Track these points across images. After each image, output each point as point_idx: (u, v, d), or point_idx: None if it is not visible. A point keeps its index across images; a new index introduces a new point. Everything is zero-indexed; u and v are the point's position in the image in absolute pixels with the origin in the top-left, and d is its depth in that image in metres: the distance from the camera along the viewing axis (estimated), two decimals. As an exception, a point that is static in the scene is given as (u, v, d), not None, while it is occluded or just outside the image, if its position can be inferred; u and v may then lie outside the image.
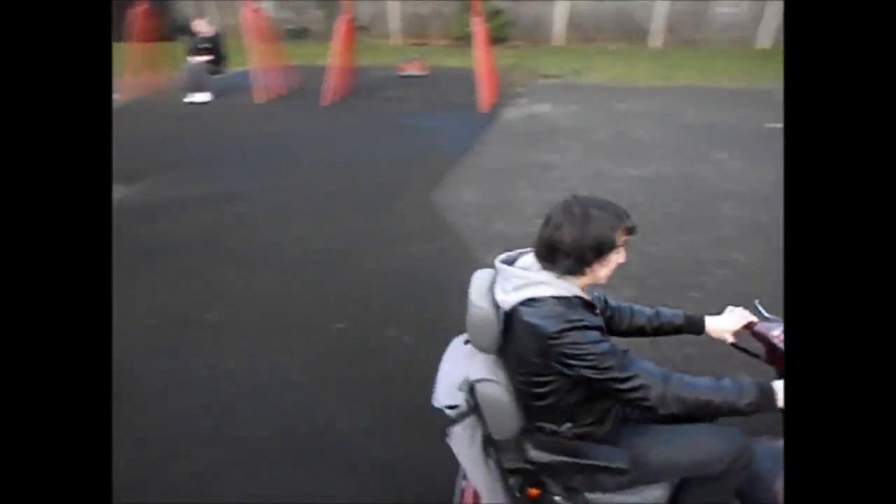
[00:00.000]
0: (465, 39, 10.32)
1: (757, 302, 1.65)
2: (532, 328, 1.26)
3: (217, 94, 7.77)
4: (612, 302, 1.60)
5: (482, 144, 5.88)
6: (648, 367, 1.25)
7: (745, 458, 1.37)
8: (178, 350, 2.76)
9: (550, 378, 1.30)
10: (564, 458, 1.34)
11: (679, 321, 1.58)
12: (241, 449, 2.17)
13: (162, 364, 2.65)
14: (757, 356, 1.55)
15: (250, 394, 2.46)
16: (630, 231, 1.30)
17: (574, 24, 12.01)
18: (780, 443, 1.50)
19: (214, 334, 2.88)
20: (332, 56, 7.70)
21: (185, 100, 7.64)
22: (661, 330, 1.60)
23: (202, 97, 7.68)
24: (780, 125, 6.15)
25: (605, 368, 1.22)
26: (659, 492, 1.42)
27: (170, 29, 10.88)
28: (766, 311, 1.59)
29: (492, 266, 1.41)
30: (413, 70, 9.16)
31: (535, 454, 1.35)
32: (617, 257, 1.31)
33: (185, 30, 9.64)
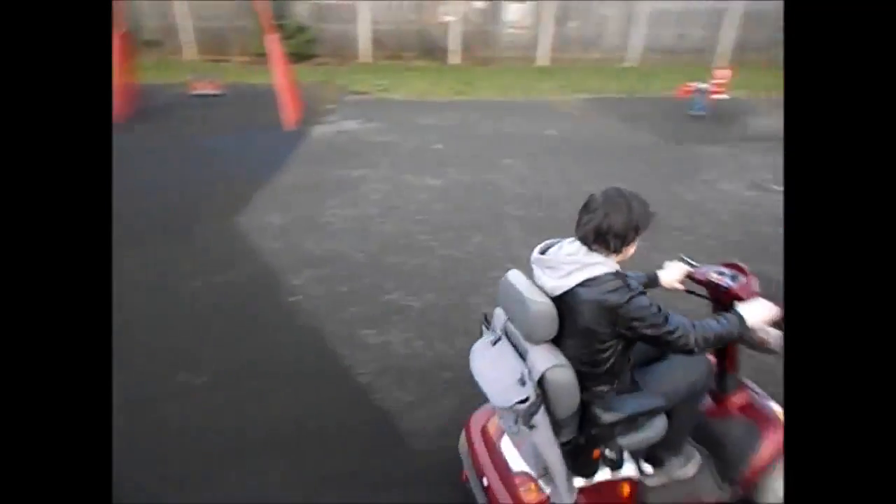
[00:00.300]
0: (266, 56, 9.99)
1: (682, 255, 2.03)
2: (599, 303, 1.43)
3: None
4: None
5: (289, 164, 5.77)
6: (681, 320, 1.48)
7: (710, 375, 1.77)
8: None
9: (611, 343, 1.49)
10: (624, 414, 1.53)
11: (643, 280, 1.88)
12: None
13: None
14: (703, 296, 1.92)
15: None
16: (651, 217, 1.53)
17: (379, 42, 12.44)
18: (752, 416, 1.87)
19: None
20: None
21: None
22: None
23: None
24: (556, 132, 7.16)
25: (659, 325, 1.44)
26: (662, 422, 1.64)
27: None
28: (689, 260, 1.98)
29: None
30: (206, 89, 8.58)
31: (607, 416, 1.51)
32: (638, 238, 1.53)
33: None
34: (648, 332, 1.45)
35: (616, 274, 1.48)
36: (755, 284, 1.81)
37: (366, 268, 3.74)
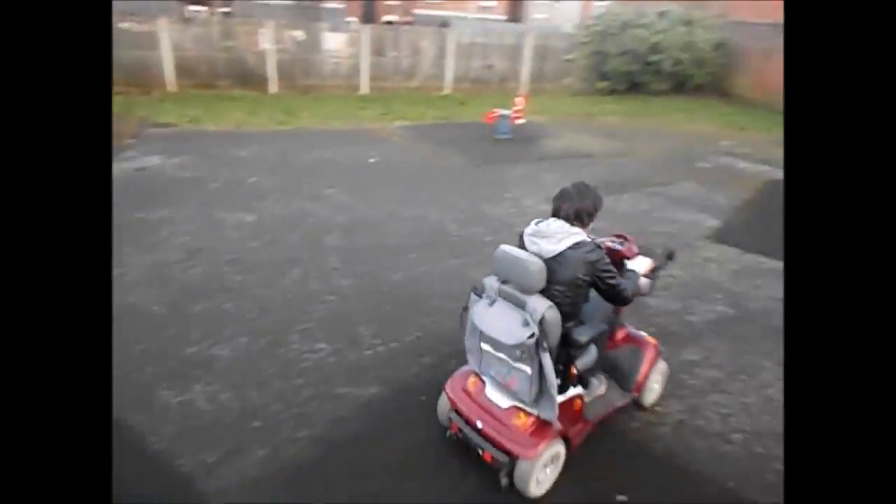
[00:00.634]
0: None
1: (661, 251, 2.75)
2: (584, 260, 2.08)
3: None
4: None
5: (72, 209, 5.02)
6: (621, 279, 2.21)
7: (614, 315, 2.60)
8: None
9: (583, 290, 2.16)
10: (589, 335, 2.21)
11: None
12: None
13: None
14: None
15: None
16: (601, 202, 2.25)
17: (187, 70, 11.56)
18: (637, 344, 2.73)
19: None
20: None
21: None
22: None
23: None
24: (377, 159, 7.34)
25: (615, 279, 2.16)
26: (594, 350, 2.28)
27: None
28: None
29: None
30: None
31: (581, 338, 2.17)
32: None
33: None
34: (610, 282, 2.16)
35: (591, 241, 2.14)
36: (635, 246, 2.56)
37: (165, 320, 3.40)
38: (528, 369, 2.05)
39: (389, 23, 25.29)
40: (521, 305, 2.05)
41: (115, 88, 10.74)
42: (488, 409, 2.27)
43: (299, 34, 12.45)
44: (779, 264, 4.67)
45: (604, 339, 2.48)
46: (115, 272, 3.94)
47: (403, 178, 6.58)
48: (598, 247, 2.13)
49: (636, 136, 9.68)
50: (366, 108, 10.87)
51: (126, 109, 9.22)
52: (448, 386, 2.45)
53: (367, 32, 12.73)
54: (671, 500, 2.33)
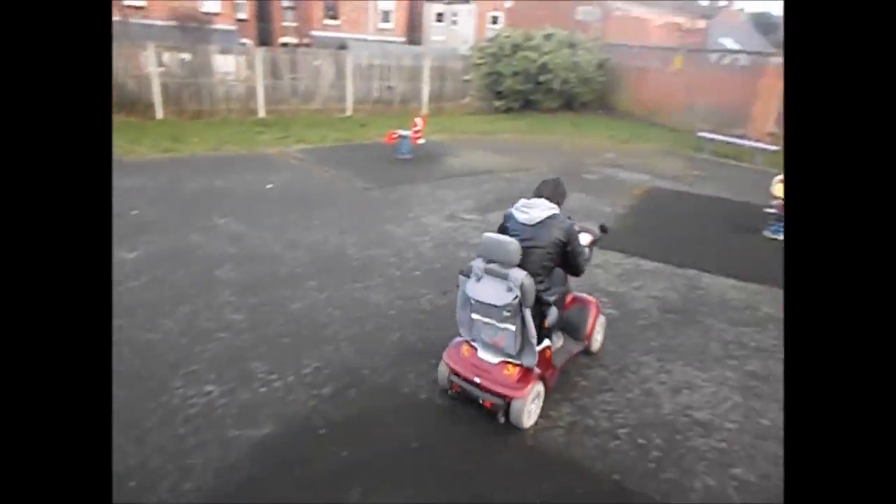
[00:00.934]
0: None
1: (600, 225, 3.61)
2: (559, 227, 2.73)
3: None
4: None
5: None
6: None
7: (567, 280, 3.26)
8: None
9: (554, 257, 2.77)
10: (557, 294, 2.93)
11: None
12: None
13: None
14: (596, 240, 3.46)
15: None
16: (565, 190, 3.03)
17: (56, 96, 10.54)
18: (583, 304, 3.40)
19: None
20: None
21: None
22: None
23: None
24: (276, 185, 7.11)
25: (580, 248, 2.84)
26: (556, 310, 2.84)
27: None
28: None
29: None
30: None
31: (551, 297, 2.80)
32: None
33: None
34: (577, 250, 2.83)
35: (562, 214, 2.83)
36: (577, 225, 3.02)
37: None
38: (512, 327, 2.67)
39: (285, 45, 24.82)
40: (504, 277, 2.62)
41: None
42: (482, 367, 2.87)
43: (186, 56, 11.85)
44: (656, 265, 5.12)
45: (562, 301, 3.18)
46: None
47: (302, 203, 6.43)
48: (570, 219, 2.86)
49: (531, 152, 10.22)
50: (263, 133, 10.53)
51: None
52: (446, 355, 3.01)
53: (262, 55, 12.39)
54: (563, 500, 2.44)
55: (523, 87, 14.74)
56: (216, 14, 22.83)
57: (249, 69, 12.32)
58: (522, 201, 2.86)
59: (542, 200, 2.83)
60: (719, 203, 7.53)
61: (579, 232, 3.00)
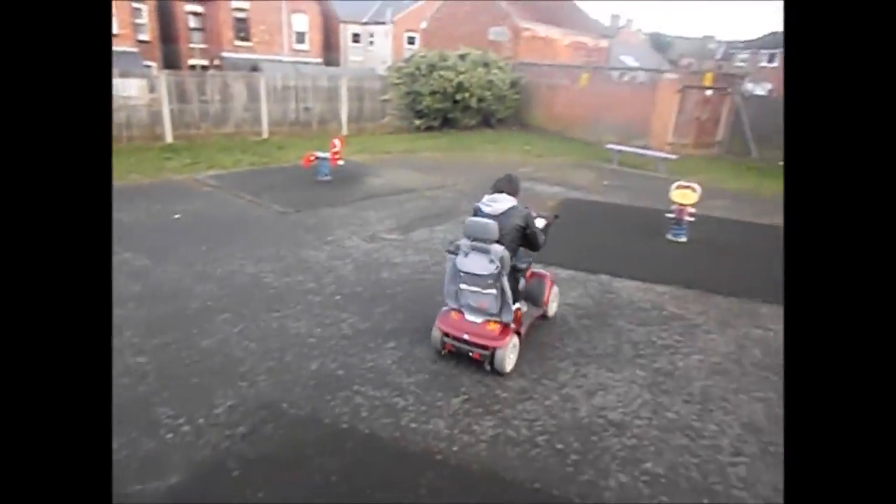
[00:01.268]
0: None
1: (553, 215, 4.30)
2: (520, 216, 3.43)
3: None
4: None
5: None
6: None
7: (530, 256, 3.92)
8: None
9: (519, 237, 3.46)
10: (525, 264, 3.83)
11: None
12: None
13: None
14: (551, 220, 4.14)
15: None
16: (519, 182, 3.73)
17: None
18: (540, 278, 4.13)
19: None
20: None
21: None
22: None
23: None
24: (185, 213, 6.74)
25: (537, 230, 3.55)
26: (522, 280, 3.74)
27: None
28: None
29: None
30: None
31: (522, 265, 3.73)
32: None
33: None
34: (535, 232, 3.52)
35: (520, 205, 3.52)
36: (534, 212, 3.77)
37: None
38: (494, 291, 3.35)
39: (194, 67, 23.84)
40: (486, 252, 3.27)
41: None
42: (469, 327, 3.50)
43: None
44: (571, 272, 5.35)
45: (525, 273, 3.85)
46: None
47: (214, 233, 6.14)
48: (528, 209, 3.60)
49: (451, 169, 10.41)
50: (171, 159, 9.99)
51: None
52: (438, 322, 3.63)
53: (166, 77, 11.79)
54: (488, 514, 2.47)
55: (442, 106, 15.04)
56: (115, 35, 21.51)
57: (154, 93, 11.68)
58: (487, 197, 3.54)
59: (503, 195, 3.52)
60: (627, 210, 8.03)
61: (536, 218, 3.72)
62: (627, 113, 14.39)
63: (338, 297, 4.63)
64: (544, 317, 4.26)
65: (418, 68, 14.90)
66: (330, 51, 31.72)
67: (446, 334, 3.58)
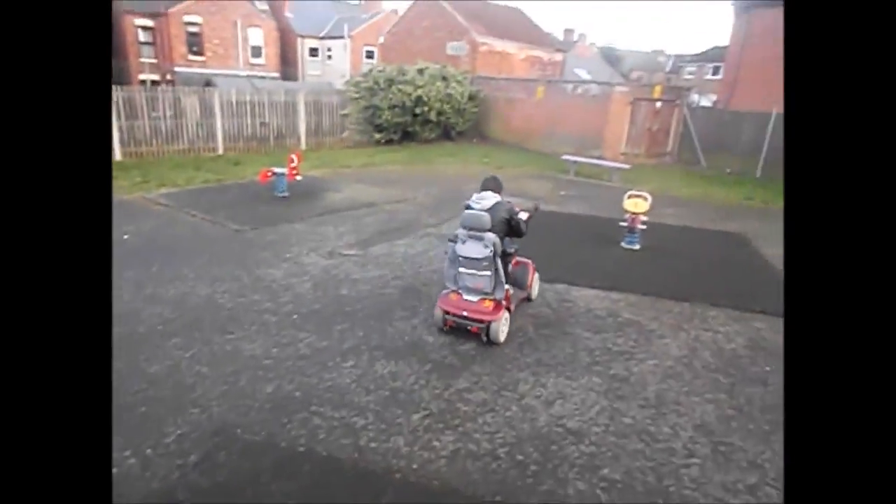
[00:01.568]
0: None
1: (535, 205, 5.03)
2: (506, 209, 4.07)
3: None
4: None
5: None
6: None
7: (516, 244, 4.45)
8: None
9: (506, 227, 4.09)
10: (513, 249, 4.39)
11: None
12: None
13: None
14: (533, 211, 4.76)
15: None
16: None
17: None
18: (524, 266, 4.73)
19: None
20: None
21: None
22: None
23: None
24: (133, 235, 6.49)
25: (521, 220, 4.19)
26: (509, 265, 4.34)
27: None
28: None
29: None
30: None
31: (510, 249, 4.29)
32: None
33: None
34: (518, 222, 4.12)
35: (506, 200, 4.15)
36: (517, 206, 4.36)
37: None
38: (489, 273, 3.95)
39: (144, 82, 23.16)
40: (481, 239, 3.86)
41: None
42: (467, 305, 4.07)
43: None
44: (530, 283, 5.43)
45: (511, 260, 4.43)
46: None
47: (166, 253, 5.94)
48: (510, 202, 4.19)
49: (412, 182, 10.44)
50: (119, 177, 9.62)
51: None
52: (439, 302, 4.22)
53: (116, 93, 11.40)
54: (448, 532, 2.45)
55: (401, 120, 15.10)
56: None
57: (100, 110, 11.26)
58: (476, 195, 4.16)
59: (489, 192, 4.15)
60: (583, 220, 8.23)
61: (519, 212, 4.33)
62: (582, 124, 14.81)
63: (295, 316, 4.54)
64: (528, 299, 4.86)
65: (377, 82, 14.93)
66: (287, 65, 31.43)
67: (447, 312, 4.15)
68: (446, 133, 16.39)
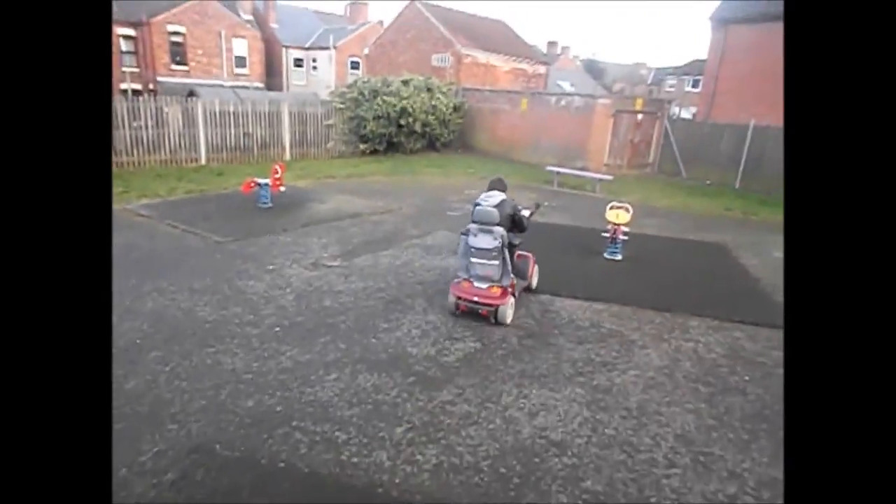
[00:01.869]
0: None
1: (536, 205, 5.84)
2: (510, 206, 4.61)
3: None
4: None
5: None
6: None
7: (519, 238, 5.03)
8: None
9: (510, 222, 4.62)
10: (518, 241, 5.01)
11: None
12: None
13: None
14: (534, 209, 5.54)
15: None
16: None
17: None
18: (525, 258, 5.27)
19: None
20: None
21: None
22: None
23: None
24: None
25: (523, 216, 4.80)
26: (513, 256, 4.93)
27: None
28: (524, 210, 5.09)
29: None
30: None
31: (516, 241, 4.90)
32: None
33: None
34: (521, 218, 4.72)
35: (510, 198, 4.68)
36: (520, 205, 4.90)
37: None
38: (497, 262, 4.54)
39: (126, 92, 22.92)
40: (490, 232, 4.45)
41: None
42: (478, 291, 4.64)
43: None
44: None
45: (515, 252, 4.93)
46: None
47: (146, 265, 5.85)
48: (513, 200, 4.69)
49: (396, 193, 10.44)
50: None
51: None
52: (452, 289, 4.77)
53: (92, 104, 11.24)
54: (430, 547, 2.43)
55: (386, 130, 15.13)
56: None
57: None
58: (483, 194, 4.69)
59: (496, 191, 4.71)
60: (566, 230, 8.30)
61: (522, 210, 4.91)
62: (566, 136, 14.99)
63: (277, 329, 4.50)
64: (529, 287, 5.38)
65: (362, 93, 14.97)
66: (272, 75, 31.37)
67: (459, 298, 4.71)
68: (431, 144, 16.47)
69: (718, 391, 3.87)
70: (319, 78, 31.51)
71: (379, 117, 14.86)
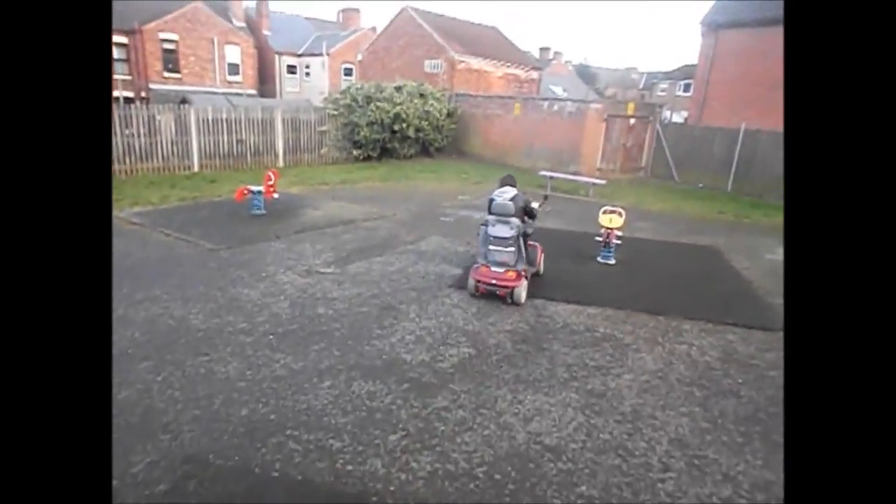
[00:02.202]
0: None
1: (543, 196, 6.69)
2: (522, 199, 5.37)
3: None
4: None
5: None
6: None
7: (531, 227, 5.65)
8: None
9: (522, 213, 5.37)
10: (532, 229, 5.59)
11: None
12: None
13: None
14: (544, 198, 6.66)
15: None
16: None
17: None
18: (534, 248, 5.80)
19: None
20: None
21: None
22: None
23: None
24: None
25: (534, 207, 5.62)
26: (525, 244, 5.51)
27: None
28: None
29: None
30: None
31: (529, 230, 5.45)
32: None
33: None
34: (532, 209, 5.51)
35: (521, 192, 5.42)
36: (531, 198, 5.65)
37: None
38: (513, 249, 5.19)
39: (118, 99, 22.84)
40: (507, 222, 5.15)
41: None
42: (495, 275, 5.25)
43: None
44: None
45: (527, 241, 5.42)
46: None
47: (137, 273, 5.81)
48: (525, 193, 5.37)
49: (390, 199, 10.45)
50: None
51: None
52: (472, 273, 5.40)
53: (84, 112, 11.20)
54: (425, 555, 2.41)
55: (379, 136, 15.15)
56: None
57: (71, 127, 11.05)
58: (497, 190, 5.37)
59: (508, 187, 5.39)
60: (560, 235, 8.33)
61: (532, 202, 5.54)
62: (559, 141, 15.07)
63: (271, 337, 4.48)
64: (537, 273, 6.01)
65: (355, 100, 15.00)
66: (265, 82, 31.37)
67: (479, 281, 5.32)
68: (425, 149, 16.50)
69: (712, 394, 3.88)
70: (313, 84, 31.54)
71: (372, 123, 14.88)
